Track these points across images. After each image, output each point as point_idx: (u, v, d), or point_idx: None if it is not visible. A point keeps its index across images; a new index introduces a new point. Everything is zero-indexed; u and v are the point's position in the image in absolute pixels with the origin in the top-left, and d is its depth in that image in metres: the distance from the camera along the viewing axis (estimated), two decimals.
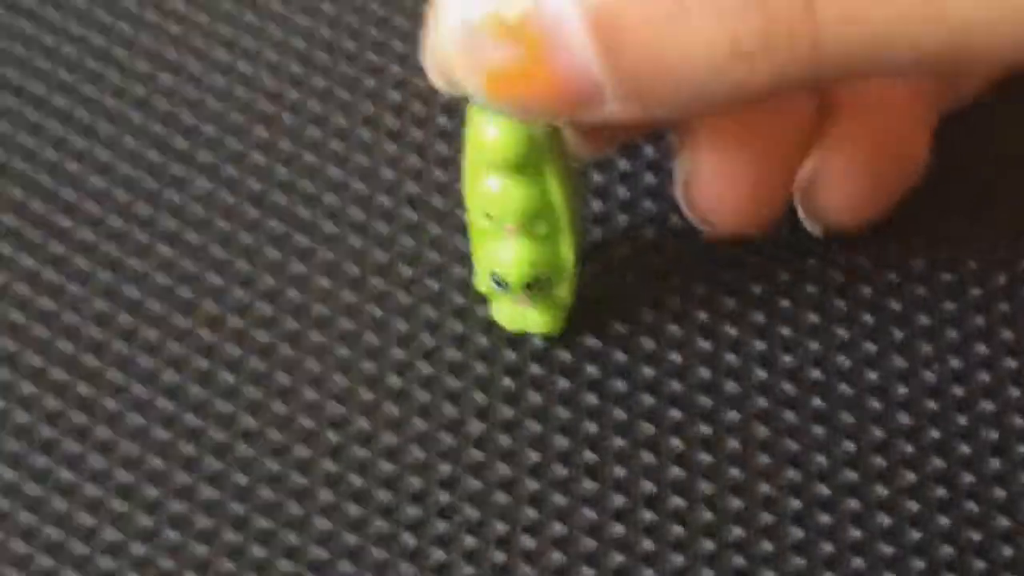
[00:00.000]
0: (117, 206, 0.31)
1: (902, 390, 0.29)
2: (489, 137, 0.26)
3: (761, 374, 0.29)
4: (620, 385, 0.29)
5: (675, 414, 0.29)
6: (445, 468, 0.28)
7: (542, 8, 0.23)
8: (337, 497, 0.28)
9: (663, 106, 0.24)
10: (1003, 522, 0.28)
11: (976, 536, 0.28)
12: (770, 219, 0.30)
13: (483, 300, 0.30)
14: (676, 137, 0.29)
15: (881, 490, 0.28)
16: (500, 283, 0.28)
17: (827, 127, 0.29)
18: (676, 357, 0.30)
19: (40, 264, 0.30)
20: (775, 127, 0.29)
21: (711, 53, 0.23)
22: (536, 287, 0.28)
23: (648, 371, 0.29)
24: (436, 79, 0.26)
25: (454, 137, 0.32)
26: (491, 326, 0.30)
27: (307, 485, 0.28)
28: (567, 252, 0.28)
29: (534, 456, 0.28)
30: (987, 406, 0.29)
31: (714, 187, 0.29)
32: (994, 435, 0.29)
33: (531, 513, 0.28)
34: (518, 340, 0.30)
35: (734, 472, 0.28)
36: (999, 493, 0.28)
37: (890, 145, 0.29)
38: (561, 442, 0.29)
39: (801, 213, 0.30)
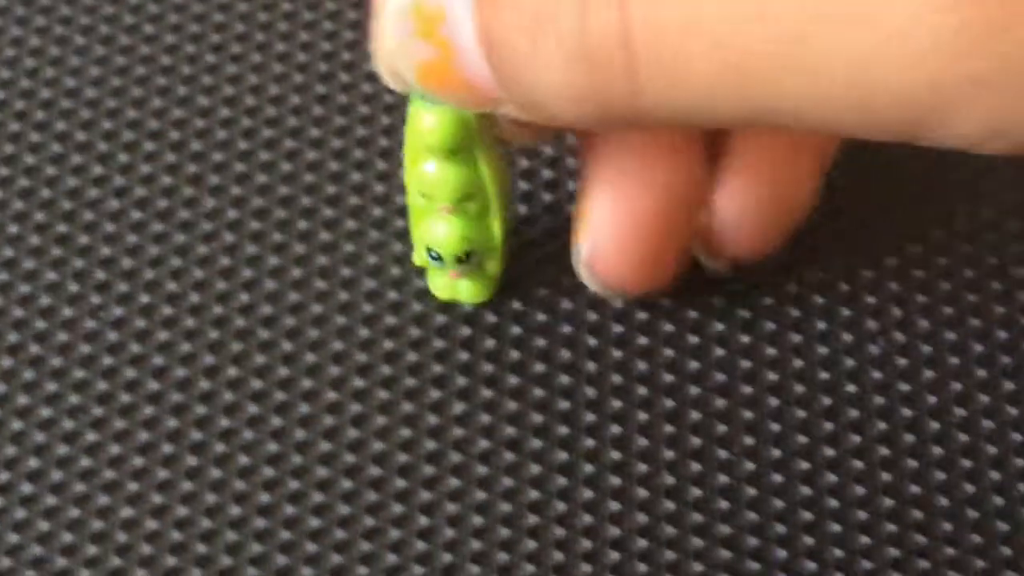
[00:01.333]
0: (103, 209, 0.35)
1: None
2: (426, 124, 0.29)
3: (668, 328, 0.32)
4: (541, 342, 0.32)
5: (591, 366, 0.32)
6: (382, 420, 0.32)
7: (448, 17, 0.26)
8: (283, 448, 0.31)
9: (539, 118, 0.27)
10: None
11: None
12: (670, 275, 0.32)
13: (419, 272, 0.33)
14: (577, 202, 0.32)
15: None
16: (435, 257, 0.31)
17: (721, 176, 0.31)
18: (594, 316, 0.33)
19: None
20: (669, 182, 0.31)
21: (555, 91, 0.26)
22: (467, 261, 0.31)
23: (567, 328, 0.32)
24: (383, 72, 0.28)
25: (394, 133, 0.35)
26: (425, 294, 0.33)
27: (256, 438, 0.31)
28: (496, 229, 0.31)
29: (460, 407, 0.32)
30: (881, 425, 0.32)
31: (615, 248, 0.31)
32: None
33: (456, 458, 0.31)
34: (449, 306, 0.33)
35: (642, 416, 0.31)
36: None
37: (779, 188, 0.31)
38: (487, 394, 0.32)
39: (702, 255, 0.32)
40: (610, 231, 0.31)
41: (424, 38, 0.26)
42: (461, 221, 0.31)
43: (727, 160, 0.31)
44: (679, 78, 0.25)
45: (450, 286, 0.33)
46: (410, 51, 0.27)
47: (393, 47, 0.27)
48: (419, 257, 0.32)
